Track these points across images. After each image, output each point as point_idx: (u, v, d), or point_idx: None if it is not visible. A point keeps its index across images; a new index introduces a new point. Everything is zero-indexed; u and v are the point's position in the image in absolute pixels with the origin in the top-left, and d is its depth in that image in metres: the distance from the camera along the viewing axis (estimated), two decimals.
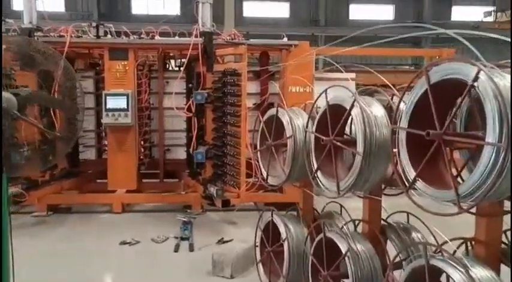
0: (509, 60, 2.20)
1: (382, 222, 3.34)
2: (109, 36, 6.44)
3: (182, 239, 5.46)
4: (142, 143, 7.14)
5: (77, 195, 7.01)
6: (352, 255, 2.93)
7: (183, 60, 6.78)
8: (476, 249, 2.42)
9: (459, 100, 2.19)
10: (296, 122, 3.50)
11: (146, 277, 4.61)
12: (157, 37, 6.50)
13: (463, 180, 2.38)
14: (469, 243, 2.64)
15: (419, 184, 2.30)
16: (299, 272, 3.63)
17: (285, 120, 3.57)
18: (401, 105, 2.52)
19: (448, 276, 2.20)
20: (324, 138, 3.03)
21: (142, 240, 5.49)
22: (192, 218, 5.90)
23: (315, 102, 3.40)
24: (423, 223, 3.27)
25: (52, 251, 5.26)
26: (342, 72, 3.69)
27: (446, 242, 2.51)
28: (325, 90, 3.16)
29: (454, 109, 2.27)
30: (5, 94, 3.77)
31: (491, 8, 27.39)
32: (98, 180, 7.39)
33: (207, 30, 6.08)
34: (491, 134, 1.93)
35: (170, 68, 7.82)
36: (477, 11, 27.87)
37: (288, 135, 3.50)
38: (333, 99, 3.07)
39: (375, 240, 3.12)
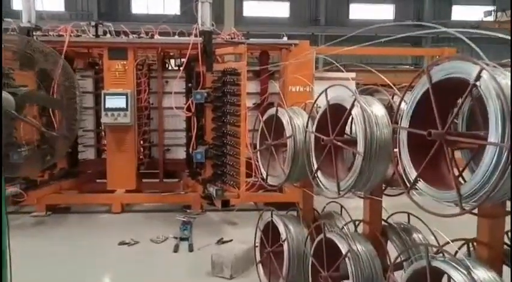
0: (510, 60, 2.17)
1: (383, 222, 3.32)
2: (108, 35, 6.41)
3: (181, 239, 5.44)
4: (141, 142, 7.11)
5: (76, 195, 6.98)
6: (353, 256, 2.91)
7: (182, 59, 6.76)
8: (479, 250, 2.39)
9: (461, 99, 2.16)
10: (296, 121, 3.47)
11: (145, 278, 4.59)
12: (156, 36, 6.47)
13: (464, 180, 2.35)
14: (470, 244, 2.61)
15: (421, 184, 2.27)
16: (299, 272, 3.61)
17: (284, 119, 3.54)
18: (402, 104, 2.50)
19: (449, 278, 2.18)
20: (324, 138, 3.01)
21: (142, 241, 5.47)
22: (191, 218, 5.88)
23: (315, 101, 3.38)
24: (424, 223, 3.25)
25: (51, 251, 5.23)
26: (342, 71, 3.66)
27: (447, 243, 2.48)
28: (325, 90, 3.13)
29: (456, 109, 2.24)
30: (3, 94, 3.75)
31: (491, 8, 27.36)
32: (97, 180, 7.36)
33: (207, 30, 6.05)
34: (494, 134, 1.90)
35: (170, 68, 7.79)
36: (477, 11, 27.85)
37: (287, 135, 3.47)
38: (333, 99, 3.04)
39: (376, 241, 3.10)
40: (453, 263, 2.17)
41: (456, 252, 2.56)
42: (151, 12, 26.16)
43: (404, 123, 2.39)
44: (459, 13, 28.96)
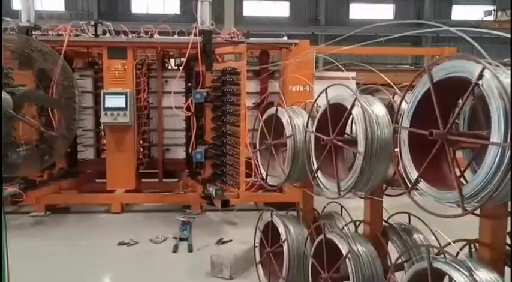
0: (510, 59, 2.14)
1: (383, 223, 3.29)
2: (108, 35, 6.38)
3: (181, 239, 5.41)
4: (141, 142, 7.10)
5: (75, 195, 6.95)
6: (353, 256, 2.89)
7: (182, 59, 6.74)
8: (481, 251, 2.37)
9: (463, 99, 2.13)
10: (296, 121, 3.45)
11: (144, 278, 4.56)
12: (156, 36, 6.45)
13: (466, 180, 2.33)
14: (472, 245, 2.59)
15: (422, 185, 2.25)
16: (299, 273, 3.59)
17: (284, 119, 3.52)
18: (403, 104, 2.47)
19: (451, 279, 2.15)
20: (324, 137, 2.98)
21: (141, 241, 5.44)
22: (191, 218, 5.86)
23: (315, 101, 3.35)
24: (425, 224, 3.22)
25: (50, 251, 5.21)
26: (342, 71, 3.65)
27: (449, 244, 2.46)
28: (326, 89, 3.11)
29: (458, 108, 2.22)
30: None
31: (491, 7, 27.36)
32: (97, 180, 7.33)
33: (206, 29, 6.03)
34: (496, 134, 1.88)
35: (169, 67, 7.76)
36: (477, 10, 27.85)
37: (287, 135, 3.45)
38: (333, 98, 3.02)
39: (376, 242, 3.08)
40: (455, 264, 2.15)
41: (458, 253, 2.53)
42: (151, 12, 26.15)
43: (405, 122, 2.37)
44: (459, 13, 28.96)
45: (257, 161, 4.03)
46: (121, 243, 5.36)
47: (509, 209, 2.29)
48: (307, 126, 3.31)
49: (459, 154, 2.63)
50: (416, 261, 2.46)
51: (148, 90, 7.02)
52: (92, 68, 7.31)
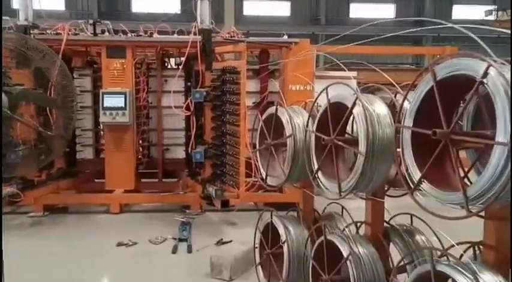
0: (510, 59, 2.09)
1: (385, 224, 3.24)
2: (106, 33, 6.34)
3: (180, 240, 5.37)
4: (140, 142, 7.06)
5: (74, 195, 6.91)
6: (354, 259, 2.84)
7: (182, 58, 6.69)
8: (485, 254, 2.31)
9: (467, 97, 2.08)
10: (296, 120, 3.40)
11: (143, 279, 4.52)
12: (155, 35, 6.41)
13: (470, 181, 2.27)
14: (476, 248, 2.54)
15: (425, 186, 2.20)
16: (299, 275, 3.54)
17: (284, 118, 3.47)
18: (405, 103, 2.42)
19: None
20: (325, 137, 2.93)
21: (140, 242, 5.40)
22: (190, 219, 5.83)
23: (316, 100, 3.31)
24: (427, 225, 3.17)
25: (48, 251, 5.17)
26: (343, 70, 3.61)
27: (452, 246, 2.41)
28: (326, 88, 3.06)
29: (462, 107, 2.16)
30: None
31: (492, 7, 27.32)
32: (96, 180, 7.30)
33: (206, 28, 5.99)
34: (502, 133, 1.82)
35: (169, 66, 7.72)
36: (478, 10, 27.83)
37: (287, 135, 3.40)
38: (334, 97, 2.97)
39: (378, 243, 3.03)
40: (459, 267, 2.10)
41: (461, 255, 2.48)
42: (151, 11, 26.08)
43: (408, 122, 2.31)
44: (460, 12, 28.96)
45: (257, 161, 3.98)
46: (120, 244, 5.32)
47: None
48: (307, 125, 3.26)
49: (462, 154, 2.57)
50: (419, 264, 2.41)
51: (147, 90, 6.98)
52: (91, 67, 7.28)
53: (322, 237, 3.18)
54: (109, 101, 6.25)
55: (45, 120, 5.81)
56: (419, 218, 3.21)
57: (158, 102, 7.23)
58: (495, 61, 1.94)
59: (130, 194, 6.76)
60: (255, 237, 4.15)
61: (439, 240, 3.00)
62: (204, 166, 6.09)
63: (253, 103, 6.68)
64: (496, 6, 27.02)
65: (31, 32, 6.16)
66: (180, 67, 6.40)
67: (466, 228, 2.52)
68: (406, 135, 2.33)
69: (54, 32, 6.26)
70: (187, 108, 6.00)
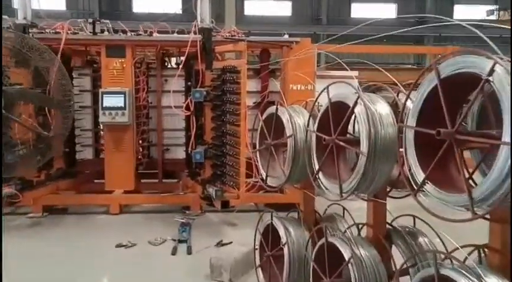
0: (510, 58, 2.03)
1: (387, 226, 3.18)
2: (106, 33, 6.29)
3: (180, 241, 5.31)
4: (140, 142, 7.01)
5: (73, 195, 6.86)
6: (356, 261, 2.78)
7: (182, 58, 6.65)
8: (490, 257, 2.26)
9: (472, 96, 2.02)
10: (296, 120, 3.34)
11: (142, 281, 4.48)
12: (155, 34, 6.36)
13: (475, 183, 2.22)
14: (481, 251, 2.48)
15: (429, 187, 2.14)
16: (300, 278, 3.48)
17: (284, 118, 3.41)
18: (408, 102, 2.37)
19: None
20: (326, 137, 2.88)
21: (139, 243, 5.35)
22: (190, 220, 5.78)
23: (316, 99, 3.25)
24: (430, 227, 3.11)
25: (47, 252, 5.13)
26: (346, 70, 3.55)
27: (456, 249, 2.35)
28: (327, 87, 3.00)
29: (467, 106, 2.10)
30: None
31: (493, 7, 27.28)
32: (95, 181, 7.24)
33: (206, 27, 5.94)
34: (508, 133, 1.76)
35: (169, 66, 7.68)
36: (479, 10, 27.79)
37: (288, 135, 3.34)
38: (335, 97, 2.91)
39: (380, 246, 2.97)
40: (463, 271, 2.04)
41: (465, 259, 2.42)
42: (152, 11, 26.06)
43: (411, 121, 2.26)
44: (461, 12, 28.91)
45: (257, 162, 3.93)
46: (119, 245, 5.27)
47: None
48: (308, 125, 3.21)
49: (466, 154, 2.52)
50: (422, 267, 2.36)
51: (147, 89, 6.93)
52: (91, 67, 7.23)
53: (323, 240, 3.12)
54: (108, 101, 6.20)
55: (44, 120, 5.76)
56: (422, 220, 3.16)
57: (158, 102, 7.19)
58: (502, 58, 1.89)
59: (130, 194, 6.71)
60: (255, 239, 4.09)
61: (443, 243, 2.94)
62: (204, 166, 6.04)
63: (254, 103, 6.63)
64: (497, 6, 26.98)
65: (30, 31, 6.11)
66: (180, 66, 6.35)
67: (471, 230, 2.46)
68: (409, 135, 2.27)
69: (53, 31, 6.22)
70: (187, 108, 5.96)
